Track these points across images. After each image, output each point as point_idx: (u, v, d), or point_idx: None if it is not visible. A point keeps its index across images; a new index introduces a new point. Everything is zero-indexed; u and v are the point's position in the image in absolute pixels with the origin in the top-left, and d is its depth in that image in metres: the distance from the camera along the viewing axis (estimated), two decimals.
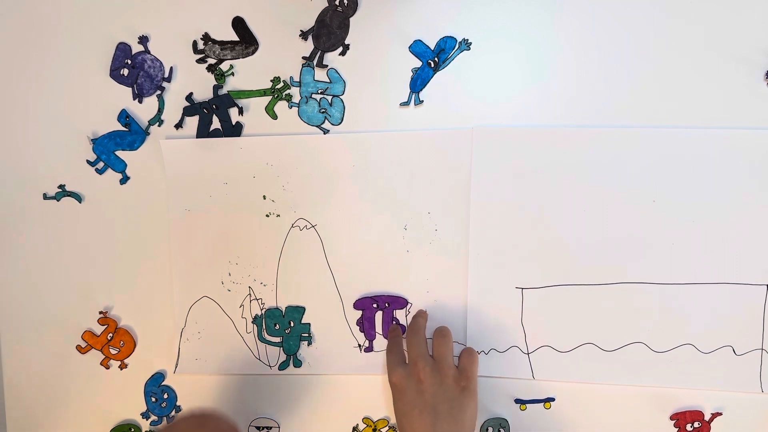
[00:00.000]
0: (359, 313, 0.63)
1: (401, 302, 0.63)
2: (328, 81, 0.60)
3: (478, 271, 0.61)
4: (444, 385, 0.55)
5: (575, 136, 0.59)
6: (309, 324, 0.64)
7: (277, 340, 0.64)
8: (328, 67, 0.60)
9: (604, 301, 0.61)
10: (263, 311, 0.64)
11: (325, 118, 0.60)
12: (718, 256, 0.59)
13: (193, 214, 0.63)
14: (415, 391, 0.55)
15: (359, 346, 0.64)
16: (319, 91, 0.60)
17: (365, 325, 0.63)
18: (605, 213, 0.59)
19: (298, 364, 0.64)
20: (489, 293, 0.62)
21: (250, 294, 0.64)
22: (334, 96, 0.60)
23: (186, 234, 0.63)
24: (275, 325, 0.64)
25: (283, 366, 0.64)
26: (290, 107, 0.61)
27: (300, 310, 0.63)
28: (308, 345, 0.64)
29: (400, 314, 0.63)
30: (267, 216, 0.62)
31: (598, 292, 0.61)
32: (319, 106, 0.60)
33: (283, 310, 0.64)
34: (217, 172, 0.62)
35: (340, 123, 0.60)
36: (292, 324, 0.64)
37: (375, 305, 0.63)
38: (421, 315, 0.61)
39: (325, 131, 0.61)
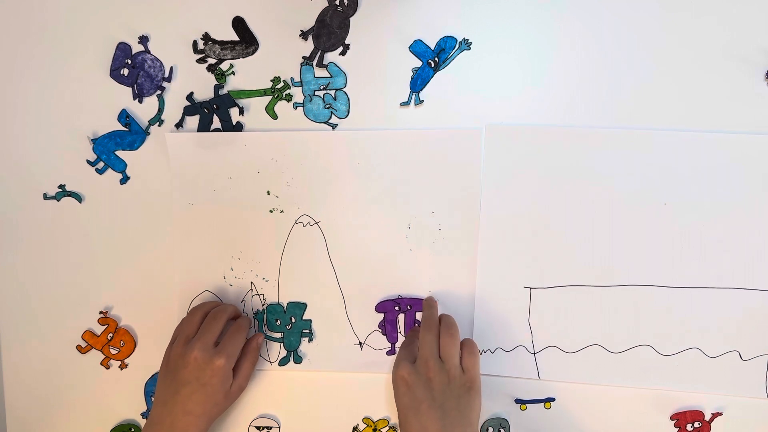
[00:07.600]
0: (381, 316, 0.63)
1: None
2: (329, 76, 0.60)
3: (486, 270, 0.61)
4: (451, 385, 0.55)
5: (586, 136, 0.59)
6: (310, 320, 0.64)
7: (278, 335, 0.64)
8: (328, 63, 0.60)
9: (612, 302, 0.61)
10: (265, 306, 0.64)
11: (332, 113, 0.60)
12: (728, 260, 0.59)
13: (196, 207, 0.63)
14: (424, 388, 0.55)
15: (360, 344, 0.63)
16: (321, 87, 0.60)
17: (387, 328, 0.63)
18: (615, 214, 0.59)
19: (298, 360, 0.64)
20: (497, 292, 0.62)
21: (252, 289, 0.64)
22: (337, 90, 0.60)
23: (189, 227, 0.63)
24: (276, 321, 0.64)
25: (283, 362, 0.64)
26: (295, 108, 0.61)
27: (302, 307, 0.63)
28: (309, 341, 0.64)
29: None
30: (271, 211, 0.62)
31: (606, 293, 0.61)
32: (324, 102, 0.60)
33: (285, 306, 0.64)
34: (221, 167, 0.62)
35: (347, 116, 0.60)
36: (293, 320, 0.64)
37: (397, 308, 0.63)
38: (433, 305, 0.61)
39: (333, 126, 0.61)
